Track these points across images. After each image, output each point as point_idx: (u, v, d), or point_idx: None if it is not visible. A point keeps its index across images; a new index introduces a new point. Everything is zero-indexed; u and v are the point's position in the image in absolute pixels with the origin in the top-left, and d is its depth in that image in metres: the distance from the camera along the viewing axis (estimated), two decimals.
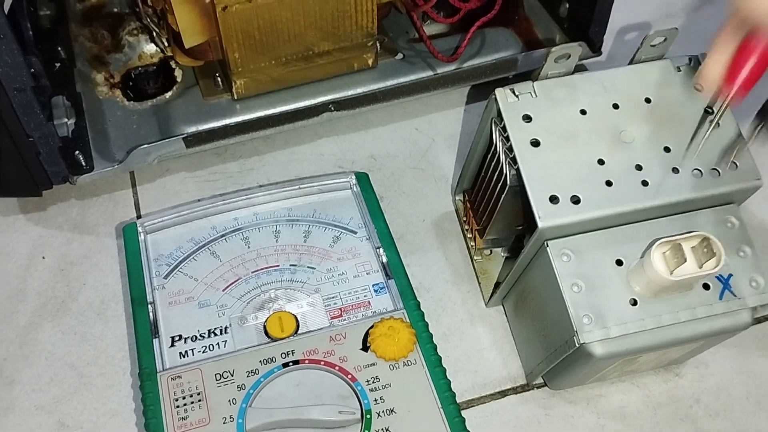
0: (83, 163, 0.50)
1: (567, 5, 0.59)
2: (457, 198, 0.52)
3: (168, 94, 0.56)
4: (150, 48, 0.59)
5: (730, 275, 0.38)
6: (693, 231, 0.36)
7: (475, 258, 0.50)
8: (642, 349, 0.38)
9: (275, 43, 0.52)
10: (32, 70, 0.45)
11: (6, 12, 0.42)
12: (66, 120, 0.52)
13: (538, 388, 0.45)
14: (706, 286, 0.38)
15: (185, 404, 0.39)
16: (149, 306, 0.44)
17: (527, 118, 0.39)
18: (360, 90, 0.55)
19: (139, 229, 0.47)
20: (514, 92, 0.40)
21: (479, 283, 0.49)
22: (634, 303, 0.38)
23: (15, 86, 0.44)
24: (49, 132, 0.47)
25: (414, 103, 0.58)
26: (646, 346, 0.38)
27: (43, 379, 0.45)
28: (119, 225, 0.52)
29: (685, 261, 0.35)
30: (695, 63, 0.41)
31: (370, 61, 0.56)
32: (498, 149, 0.41)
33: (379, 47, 0.56)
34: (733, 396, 0.45)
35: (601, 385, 0.45)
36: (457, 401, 0.41)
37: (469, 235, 0.50)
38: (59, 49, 0.57)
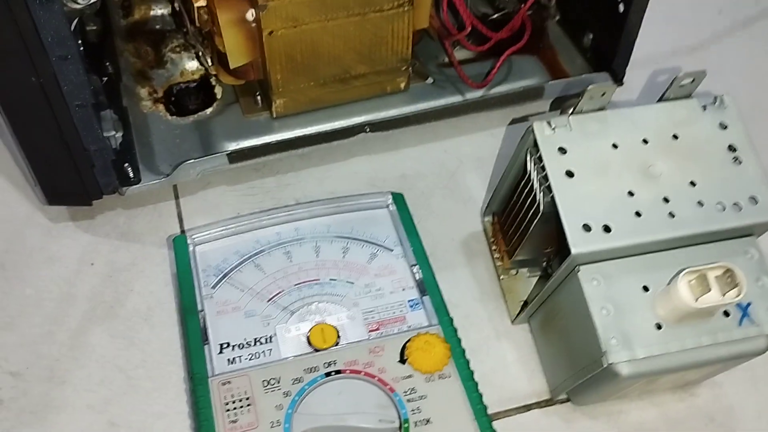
0: (131, 175, 0.53)
1: (591, 36, 0.62)
2: (485, 219, 0.55)
3: (209, 110, 0.59)
4: (192, 65, 0.61)
5: (749, 303, 0.41)
6: (717, 261, 0.39)
7: (501, 277, 0.52)
8: (665, 371, 0.40)
9: (315, 65, 0.54)
10: (92, 87, 0.48)
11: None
12: (114, 133, 0.55)
13: (561, 403, 0.48)
14: (726, 313, 0.41)
15: (235, 408, 0.42)
16: (199, 314, 0.46)
17: (562, 150, 0.42)
18: (392, 112, 0.58)
19: (188, 240, 0.50)
20: (550, 125, 0.43)
21: (505, 301, 0.52)
22: (659, 327, 0.40)
23: (77, 103, 0.46)
24: (105, 146, 0.49)
25: (443, 126, 0.60)
26: (669, 368, 0.40)
27: (93, 380, 0.48)
28: (164, 234, 0.54)
29: (710, 290, 0.38)
30: (719, 102, 0.44)
31: (402, 85, 0.59)
32: (532, 177, 0.44)
33: (411, 72, 0.59)
34: (745, 415, 0.48)
35: (621, 402, 0.48)
36: (490, 417, 0.43)
37: (496, 255, 0.53)
38: (107, 63, 0.59)
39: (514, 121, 0.62)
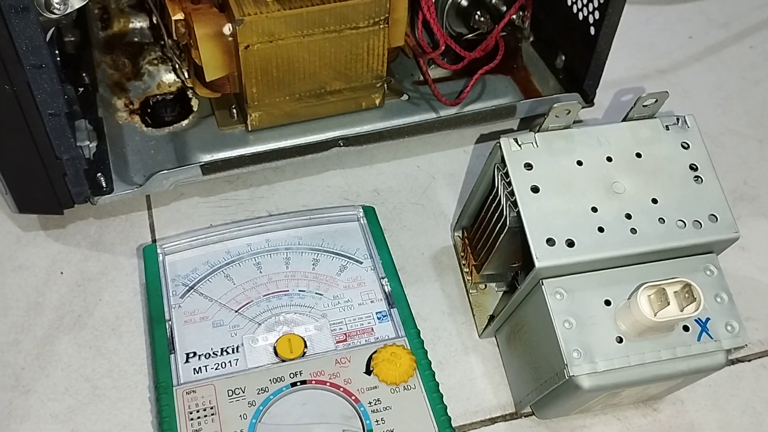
0: (104, 185, 0.53)
1: (563, 57, 0.63)
2: (455, 234, 0.56)
3: (184, 123, 0.59)
4: (168, 77, 0.62)
5: (708, 319, 0.42)
6: (676, 277, 0.40)
7: (470, 291, 0.53)
8: (626, 384, 0.41)
9: (291, 80, 0.55)
10: (66, 96, 0.48)
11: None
12: (88, 143, 0.55)
13: (526, 416, 0.48)
14: (686, 328, 0.42)
15: (199, 417, 0.42)
16: (167, 323, 0.46)
17: (528, 166, 0.43)
18: (367, 128, 0.59)
19: (158, 250, 0.50)
20: (517, 142, 0.43)
21: (473, 315, 0.52)
22: (620, 341, 0.41)
23: (50, 111, 0.46)
24: (77, 155, 0.50)
25: (416, 142, 0.61)
26: (629, 381, 0.41)
27: (58, 390, 0.47)
28: (135, 245, 0.54)
29: (668, 304, 0.38)
30: (682, 123, 0.45)
31: (377, 101, 0.60)
32: (499, 193, 0.45)
33: (386, 88, 0.60)
34: None
35: (584, 416, 0.48)
36: (454, 429, 0.43)
37: (465, 270, 0.53)
38: (83, 74, 0.60)
39: (484, 139, 0.63)
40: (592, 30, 0.57)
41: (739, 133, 0.66)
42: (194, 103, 0.60)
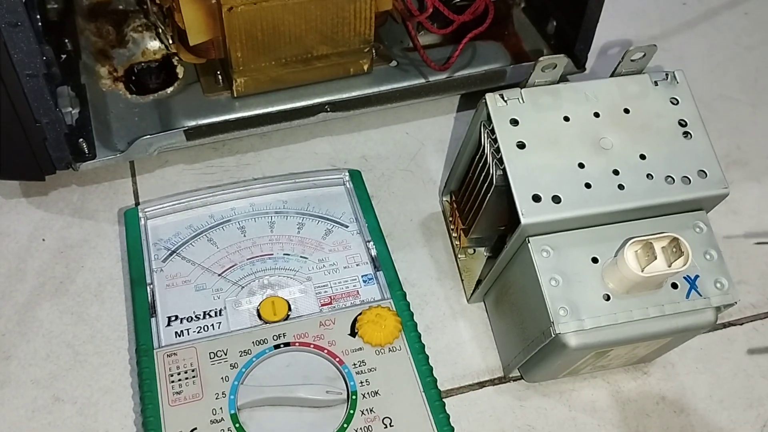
0: (86, 151, 0.52)
1: (554, 23, 0.62)
2: (444, 199, 0.55)
3: (169, 90, 0.58)
4: (153, 45, 0.61)
5: (697, 276, 0.41)
6: (664, 232, 0.39)
7: (459, 256, 0.52)
8: (613, 342, 0.40)
9: (276, 44, 0.54)
10: (45, 57, 0.47)
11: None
12: (71, 109, 0.54)
13: (514, 380, 0.48)
14: (674, 286, 0.41)
15: (180, 380, 0.41)
16: (148, 287, 0.45)
17: (514, 122, 0.42)
18: (355, 93, 0.58)
19: (140, 214, 0.49)
20: (503, 97, 0.43)
21: (462, 280, 0.52)
22: (608, 298, 0.40)
23: (28, 72, 0.46)
24: (57, 118, 0.49)
25: (405, 109, 0.60)
26: (616, 340, 0.40)
27: (39, 355, 0.47)
28: (119, 211, 0.53)
29: (656, 259, 0.38)
30: (672, 78, 0.44)
31: (365, 67, 0.59)
32: (486, 151, 0.44)
33: (374, 54, 0.59)
34: (696, 395, 0.48)
35: (573, 380, 0.48)
36: (439, 390, 0.43)
37: (454, 235, 0.53)
38: (66, 41, 0.59)
39: (474, 105, 0.62)
40: None
41: (732, 98, 0.65)
42: (179, 70, 0.59)
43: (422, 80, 0.59)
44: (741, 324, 0.51)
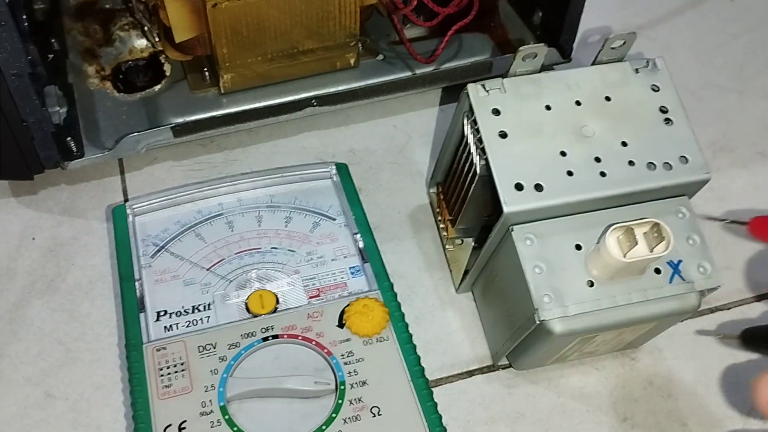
0: (74, 149, 0.52)
1: (540, 14, 0.62)
2: (431, 191, 0.55)
3: (157, 87, 0.58)
4: (140, 43, 0.61)
5: (680, 261, 0.41)
6: (645, 218, 0.39)
7: (446, 247, 0.52)
8: (597, 328, 0.41)
9: (262, 40, 0.54)
10: (30, 57, 0.47)
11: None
12: (58, 109, 0.54)
13: (503, 368, 0.48)
14: (657, 271, 0.41)
15: (169, 373, 0.42)
16: (136, 283, 0.46)
17: (496, 112, 0.42)
18: (342, 87, 0.58)
19: (128, 210, 0.49)
20: (484, 87, 0.43)
21: (450, 271, 0.52)
22: (591, 284, 0.40)
23: (13, 72, 0.46)
24: (44, 117, 0.49)
25: (393, 102, 0.61)
26: (601, 325, 0.41)
27: (31, 353, 0.47)
28: (108, 209, 0.54)
29: (637, 244, 0.38)
30: (652, 66, 0.44)
31: (352, 61, 0.59)
32: (469, 141, 0.44)
33: (360, 48, 0.59)
34: (684, 380, 0.48)
35: (561, 366, 0.48)
36: (427, 379, 0.43)
37: (441, 226, 0.53)
38: (53, 41, 0.59)
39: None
40: None
41: (719, 86, 0.65)
42: (167, 67, 0.60)
43: (409, 73, 0.60)
44: (728, 309, 0.51)
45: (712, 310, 0.51)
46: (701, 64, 0.67)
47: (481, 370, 0.48)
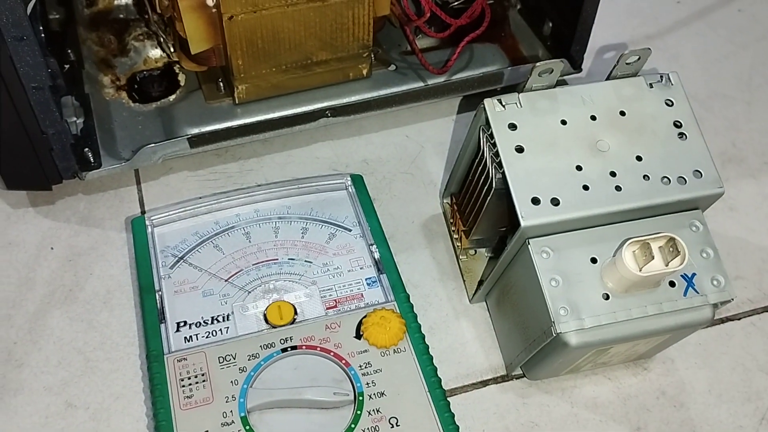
0: (92, 160, 0.53)
1: (550, 24, 0.63)
2: (444, 201, 0.56)
3: (172, 97, 0.59)
4: (155, 53, 0.62)
5: (694, 274, 0.42)
6: (660, 232, 0.40)
7: (460, 257, 0.53)
8: (613, 340, 0.41)
9: (276, 51, 0.55)
10: (50, 69, 0.48)
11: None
12: (75, 119, 0.55)
13: (517, 378, 0.49)
14: (672, 284, 0.42)
15: (190, 384, 0.42)
16: (156, 294, 0.46)
17: (512, 127, 0.43)
18: (354, 98, 0.58)
19: (147, 222, 0.50)
20: (501, 102, 0.43)
21: (464, 281, 0.52)
22: (607, 297, 0.41)
23: (34, 85, 0.46)
24: (63, 129, 0.49)
25: (405, 112, 0.61)
26: (616, 338, 0.41)
27: (51, 363, 0.48)
28: (125, 219, 0.54)
29: (653, 259, 0.39)
30: (666, 80, 0.45)
31: (364, 71, 0.59)
32: (485, 155, 0.45)
33: (373, 58, 0.60)
34: (696, 389, 0.49)
35: (575, 377, 0.48)
36: (444, 390, 0.44)
37: (455, 236, 0.54)
38: (68, 51, 0.60)
39: (473, 107, 0.63)
40: None
41: (727, 96, 0.66)
42: (181, 77, 0.60)
43: (421, 84, 0.60)
44: (739, 319, 0.52)
45: (723, 320, 0.52)
46: (709, 75, 0.67)
47: (495, 380, 0.49)
